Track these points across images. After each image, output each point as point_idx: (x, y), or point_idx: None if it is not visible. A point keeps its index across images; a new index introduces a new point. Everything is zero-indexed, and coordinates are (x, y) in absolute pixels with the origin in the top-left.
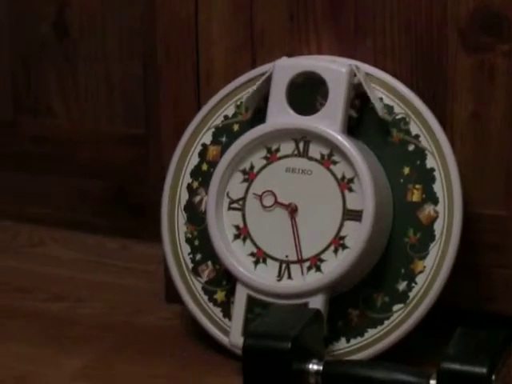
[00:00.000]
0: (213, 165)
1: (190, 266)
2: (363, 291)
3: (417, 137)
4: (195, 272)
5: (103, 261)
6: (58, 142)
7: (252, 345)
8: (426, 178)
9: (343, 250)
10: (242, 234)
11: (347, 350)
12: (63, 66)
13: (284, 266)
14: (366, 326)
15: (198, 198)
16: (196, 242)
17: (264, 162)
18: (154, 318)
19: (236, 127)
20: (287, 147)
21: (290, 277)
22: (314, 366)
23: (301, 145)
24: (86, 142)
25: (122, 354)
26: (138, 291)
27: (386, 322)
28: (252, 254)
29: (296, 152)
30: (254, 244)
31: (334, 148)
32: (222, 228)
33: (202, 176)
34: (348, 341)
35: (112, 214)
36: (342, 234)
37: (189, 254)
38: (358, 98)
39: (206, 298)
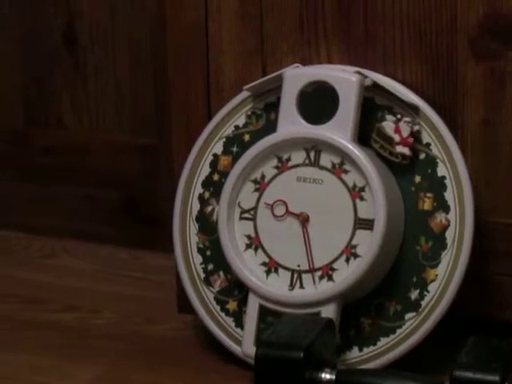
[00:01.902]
0: (224, 175)
1: (202, 275)
2: (375, 300)
3: (428, 145)
4: (207, 282)
5: (115, 271)
6: (69, 152)
7: (264, 354)
8: (438, 186)
9: (355, 259)
10: (254, 243)
11: (360, 359)
12: (74, 76)
13: (296, 275)
14: (379, 334)
15: (209, 208)
16: (208, 252)
17: (275, 171)
18: (166, 328)
19: (247, 137)
20: (298, 156)
21: (301, 286)
22: (326, 375)
23: (312, 154)
24: (97, 152)
25: (135, 365)
26: (150, 301)
27: (399, 331)
28: (264, 264)
29: (307, 161)
30: (266, 253)
31: (345, 157)
32: (233, 238)
33: (213, 186)
34: (360, 349)
35: (123, 225)
36: (354, 242)
37: (201, 263)
38: (411, 136)
39: (218, 307)
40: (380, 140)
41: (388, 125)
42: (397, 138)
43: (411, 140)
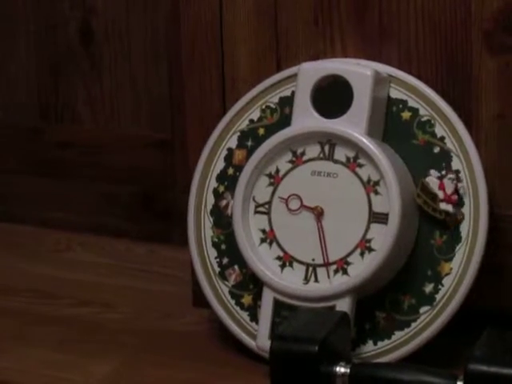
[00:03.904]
0: (238, 169)
1: (217, 270)
2: (390, 294)
3: (442, 139)
4: (222, 276)
5: (130, 266)
6: (84, 147)
7: (279, 348)
8: None
9: (370, 253)
10: (269, 237)
11: (374, 353)
12: (89, 71)
13: (310, 269)
14: (393, 328)
15: (224, 202)
16: (223, 246)
17: (290, 165)
18: (182, 322)
19: (261, 131)
20: (313, 150)
21: (316, 280)
22: (341, 369)
23: (326, 148)
24: (112, 147)
25: (150, 359)
26: (166, 296)
27: (413, 325)
28: (278, 258)
29: (321, 155)
30: (281, 248)
31: (360, 151)
32: (248, 232)
33: (227, 180)
34: (375, 343)
35: (139, 219)
36: (369, 236)
37: (215, 258)
38: (455, 193)
39: (233, 301)
40: (424, 196)
41: (432, 180)
42: (441, 194)
43: (455, 197)
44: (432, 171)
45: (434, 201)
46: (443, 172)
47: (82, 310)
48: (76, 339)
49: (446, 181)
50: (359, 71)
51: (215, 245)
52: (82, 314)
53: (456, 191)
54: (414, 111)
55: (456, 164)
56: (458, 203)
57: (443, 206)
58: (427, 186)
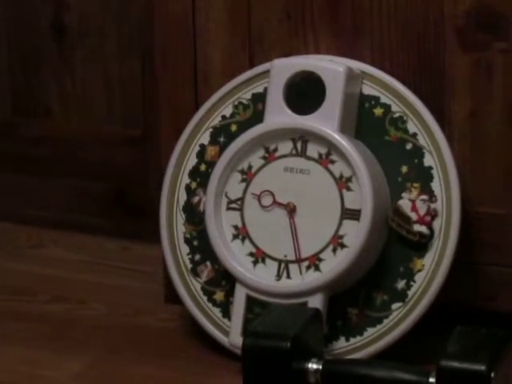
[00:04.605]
0: (211, 165)
1: (189, 266)
2: (362, 290)
3: (414, 135)
4: (194, 272)
5: (103, 262)
6: (56, 143)
7: (252, 344)
8: (424, 176)
9: (342, 249)
10: (241, 233)
11: (347, 349)
12: (61, 67)
13: (283, 265)
14: (366, 324)
15: (196, 199)
16: (195, 243)
17: (262, 161)
18: (154, 319)
19: (234, 127)
20: (285, 147)
21: (288, 276)
22: (313, 365)
23: (299, 144)
24: (85, 143)
25: (123, 355)
26: (139, 292)
27: (385, 321)
28: (251, 254)
29: (294, 151)
30: (253, 244)
31: (332, 147)
32: (220, 228)
33: (200, 176)
34: (347, 340)
35: (112, 215)
36: (341, 233)
37: (188, 254)
38: (429, 215)
39: (205, 298)
40: (397, 219)
41: (405, 203)
42: (414, 216)
43: (428, 219)
44: (404, 194)
45: (408, 223)
46: (415, 194)
47: (55, 307)
48: (50, 335)
49: (418, 202)
50: (331, 67)
51: (187, 241)
52: (55, 310)
53: (429, 212)
54: (387, 107)
55: (428, 160)
56: (432, 224)
57: (417, 227)
58: (400, 209)
